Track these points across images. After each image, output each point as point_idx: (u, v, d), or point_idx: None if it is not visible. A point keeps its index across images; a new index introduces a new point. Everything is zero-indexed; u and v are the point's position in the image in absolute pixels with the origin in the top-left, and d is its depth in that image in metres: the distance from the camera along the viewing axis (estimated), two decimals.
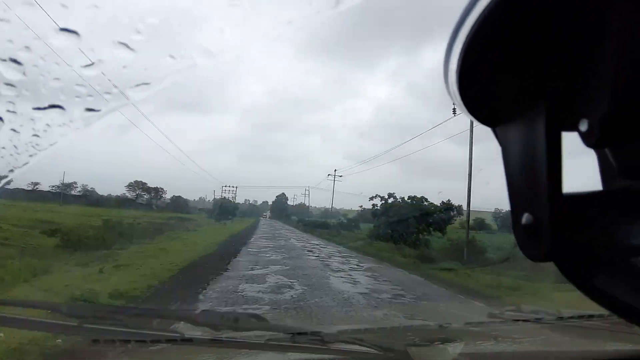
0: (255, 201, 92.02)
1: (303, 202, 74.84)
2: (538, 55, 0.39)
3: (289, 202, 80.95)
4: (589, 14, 0.36)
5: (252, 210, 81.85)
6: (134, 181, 54.78)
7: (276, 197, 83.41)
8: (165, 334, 1.47)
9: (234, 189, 64.22)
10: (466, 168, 19.43)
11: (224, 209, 57.61)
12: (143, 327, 1.50)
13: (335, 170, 49.74)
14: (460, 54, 0.39)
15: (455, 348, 1.42)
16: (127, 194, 54.38)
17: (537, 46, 0.38)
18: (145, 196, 56.98)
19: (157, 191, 60.71)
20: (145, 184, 56.99)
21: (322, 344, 1.45)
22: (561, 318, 1.93)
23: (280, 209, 79.87)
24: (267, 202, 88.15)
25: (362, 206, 39.37)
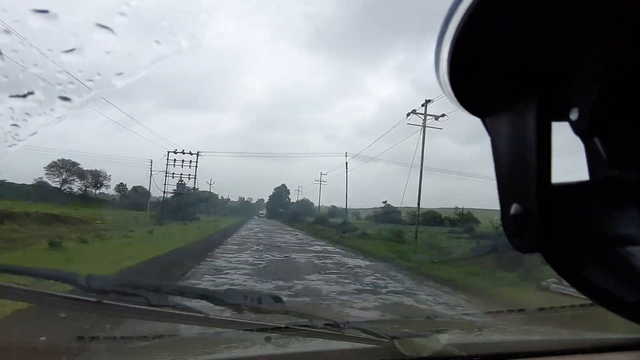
0: (250, 198, 74.16)
1: (307, 198, 56.66)
2: (528, 45, 0.39)
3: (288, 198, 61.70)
4: (580, 4, 0.36)
5: (245, 208, 67.42)
6: (59, 160, 36.72)
7: (274, 190, 64.53)
8: (187, 314, 1.40)
9: (192, 156, 35.31)
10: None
11: (177, 204, 34.75)
12: (164, 303, 1.41)
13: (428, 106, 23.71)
14: (452, 43, 0.39)
15: (442, 339, 1.44)
16: (47, 180, 35.86)
17: (528, 36, 0.38)
18: (76, 182, 38.27)
19: (96, 176, 39.48)
20: (76, 164, 38.24)
21: (311, 336, 1.46)
22: (543, 309, 1.97)
23: (280, 205, 61.07)
24: (262, 199, 72.88)
25: (386, 201, 28.15)
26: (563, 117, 0.41)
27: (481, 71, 0.41)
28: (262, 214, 67.04)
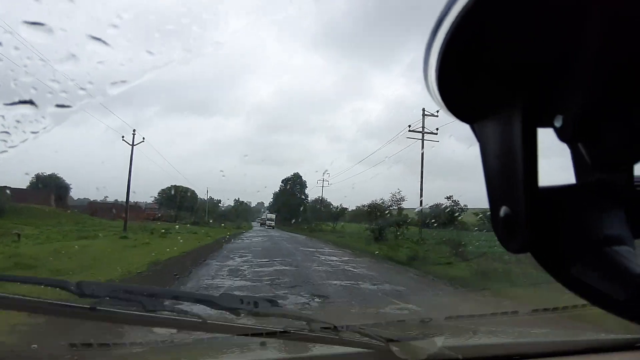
0: (250, 201, 56.67)
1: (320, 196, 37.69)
2: (515, 54, 0.40)
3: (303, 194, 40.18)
4: (566, 13, 0.37)
5: (241, 213, 51.82)
6: None
7: (282, 183, 43.27)
8: (183, 318, 1.36)
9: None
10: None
11: None
12: (160, 308, 1.33)
13: None
14: (440, 51, 0.40)
15: (437, 342, 1.45)
16: None
17: (515, 45, 0.40)
18: None
19: None
20: None
21: (306, 340, 1.46)
22: (536, 310, 1.99)
23: (293, 205, 40.01)
24: (262, 202, 54.61)
25: (451, 196, 21.37)
26: (548, 123, 0.42)
27: (469, 79, 0.43)
28: (270, 219, 41.11)
